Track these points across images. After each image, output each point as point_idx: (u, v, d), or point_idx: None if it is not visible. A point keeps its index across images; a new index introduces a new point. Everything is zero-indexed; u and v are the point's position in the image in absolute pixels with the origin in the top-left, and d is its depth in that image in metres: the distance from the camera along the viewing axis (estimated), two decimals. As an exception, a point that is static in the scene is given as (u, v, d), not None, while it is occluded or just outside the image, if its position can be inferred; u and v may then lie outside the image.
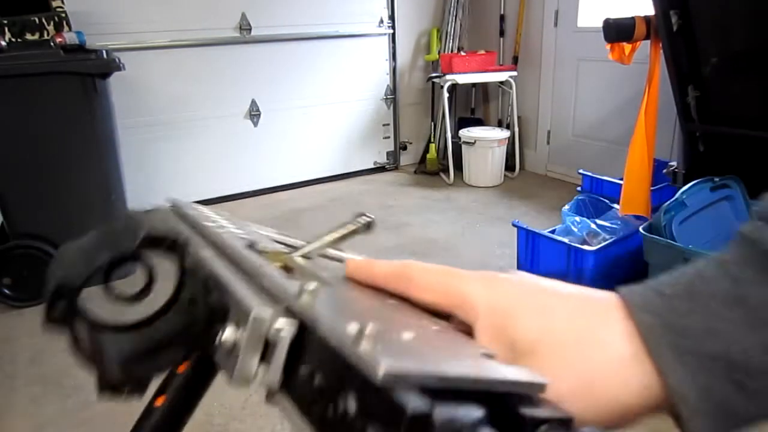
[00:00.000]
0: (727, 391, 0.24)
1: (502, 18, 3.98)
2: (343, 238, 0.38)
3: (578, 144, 3.70)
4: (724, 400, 0.24)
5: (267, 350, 0.23)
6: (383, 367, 0.17)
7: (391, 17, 3.95)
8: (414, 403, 0.17)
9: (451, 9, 4.05)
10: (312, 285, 0.24)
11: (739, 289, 0.24)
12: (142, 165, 3.27)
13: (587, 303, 0.28)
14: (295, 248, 0.38)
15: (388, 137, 4.22)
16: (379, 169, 4.21)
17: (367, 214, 0.39)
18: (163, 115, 3.34)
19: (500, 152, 3.74)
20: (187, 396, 0.33)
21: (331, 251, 0.39)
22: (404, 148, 4.28)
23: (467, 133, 3.76)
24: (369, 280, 0.33)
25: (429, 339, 0.26)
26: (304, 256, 0.36)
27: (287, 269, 0.34)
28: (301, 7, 3.59)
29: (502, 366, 0.24)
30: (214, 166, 3.58)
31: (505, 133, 3.77)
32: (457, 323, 0.31)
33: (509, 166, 3.88)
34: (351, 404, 0.19)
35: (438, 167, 4.02)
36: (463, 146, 3.78)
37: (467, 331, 0.29)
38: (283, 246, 0.40)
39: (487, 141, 3.68)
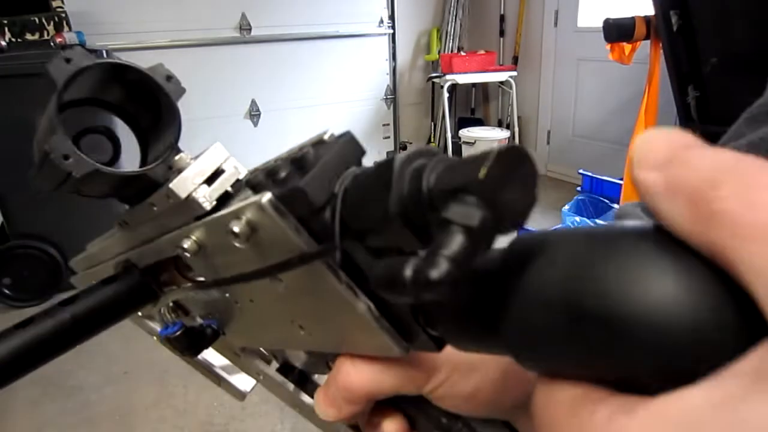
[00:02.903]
0: None
1: (502, 18, 3.98)
2: None
3: (578, 144, 3.70)
4: None
5: None
6: None
7: (391, 17, 3.95)
8: None
9: (451, 9, 4.06)
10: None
11: None
12: (142, 165, 3.27)
13: None
14: None
15: (388, 137, 4.22)
16: (379, 169, 4.20)
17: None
18: (163, 115, 3.33)
19: (500, 152, 3.74)
20: (110, 309, 0.31)
21: None
22: (404, 148, 4.28)
23: (467, 133, 3.76)
24: None
25: None
26: None
27: None
28: (301, 7, 3.59)
29: None
30: (214, 166, 3.57)
31: (505, 133, 3.77)
32: None
33: (509, 166, 3.88)
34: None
35: (438, 167, 4.01)
36: (463, 146, 3.78)
37: None
38: None
39: (487, 141, 3.68)
